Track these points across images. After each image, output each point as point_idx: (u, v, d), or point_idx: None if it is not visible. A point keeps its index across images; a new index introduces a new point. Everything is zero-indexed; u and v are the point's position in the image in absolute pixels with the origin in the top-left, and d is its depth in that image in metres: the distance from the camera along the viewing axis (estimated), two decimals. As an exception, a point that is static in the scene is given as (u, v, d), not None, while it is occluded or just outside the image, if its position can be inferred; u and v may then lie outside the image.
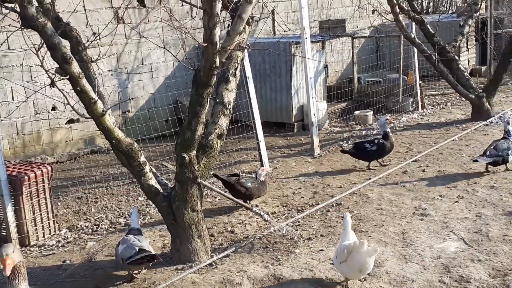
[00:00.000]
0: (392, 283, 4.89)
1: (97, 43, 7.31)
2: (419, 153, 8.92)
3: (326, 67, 12.31)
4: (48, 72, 4.75)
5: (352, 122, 11.84)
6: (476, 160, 7.77)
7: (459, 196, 6.93)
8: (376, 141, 8.35)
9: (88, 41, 5.77)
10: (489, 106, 11.05)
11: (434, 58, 10.93)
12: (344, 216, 5.06)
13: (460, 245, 5.57)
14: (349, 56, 13.86)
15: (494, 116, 10.98)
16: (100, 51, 6.21)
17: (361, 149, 8.39)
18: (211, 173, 6.84)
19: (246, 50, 7.74)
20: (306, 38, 9.18)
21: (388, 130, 8.48)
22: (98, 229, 6.72)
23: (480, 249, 5.45)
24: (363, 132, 10.85)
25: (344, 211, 6.67)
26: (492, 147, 7.73)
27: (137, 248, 5.07)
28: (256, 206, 7.02)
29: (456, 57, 11.34)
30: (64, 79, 4.84)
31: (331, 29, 14.93)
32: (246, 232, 6.31)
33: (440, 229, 5.96)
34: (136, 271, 5.33)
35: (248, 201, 6.95)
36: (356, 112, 11.91)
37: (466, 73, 11.35)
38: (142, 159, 5.36)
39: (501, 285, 4.74)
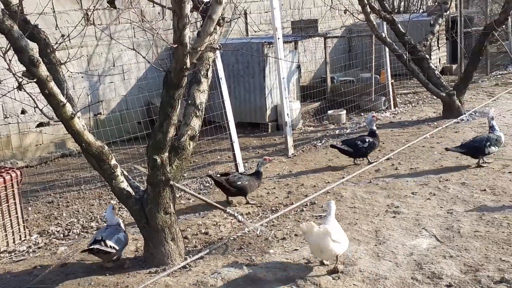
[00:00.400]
0: (365, 281, 4.92)
1: (66, 45, 7.20)
2: (391, 151, 9.00)
3: (299, 67, 12.36)
4: (15, 75, 4.66)
5: (326, 121, 11.90)
6: (447, 149, 8.06)
7: (431, 193, 7.01)
8: (367, 139, 8.40)
9: (57, 43, 5.68)
10: (459, 104, 11.20)
11: (405, 57, 11.05)
12: (329, 203, 5.32)
13: (432, 242, 5.63)
14: (322, 56, 13.92)
15: (465, 113, 11.14)
16: (69, 53, 6.12)
17: (353, 146, 8.41)
18: (209, 173, 7.25)
19: (218, 51, 7.72)
20: (278, 38, 9.20)
21: (375, 128, 8.57)
22: (70, 233, 6.63)
23: (451, 245, 5.52)
24: (337, 131, 10.92)
25: (318, 211, 6.71)
26: (471, 139, 7.98)
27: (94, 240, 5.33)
28: (235, 205, 7.01)
29: (427, 56, 11.49)
30: (32, 82, 4.75)
31: (303, 29, 14.97)
32: (220, 233, 6.28)
33: (413, 226, 6.03)
34: (108, 264, 5.47)
35: (244, 197, 7.19)
36: (330, 112, 11.98)
37: (437, 72, 11.49)
38: (113, 162, 5.29)
39: (472, 281, 4.80)
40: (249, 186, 7.12)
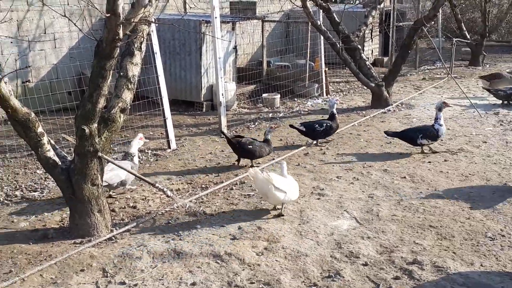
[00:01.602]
0: (287, 257, 5.10)
1: (-4, 7, 6.93)
2: (321, 136, 9.25)
3: (235, 48, 12.40)
4: None
5: (260, 104, 12.05)
6: (386, 132, 8.57)
7: (354, 178, 7.30)
8: (324, 124, 8.71)
9: (-16, 4, 5.47)
10: (387, 95, 11.63)
11: (339, 46, 11.32)
12: (281, 164, 6.19)
13: (352, 223, 5.89)
14: (259, 39, 14.03)
15: (392, 104, 11.59)
16: (-2, 16, 5.90)
17: (311, 129, 8.70)
18: (222, 130, 7.93)
19: (153, 25, 7.65)
20: (216, 17, 9.20)
21: (335, 111, 8.84)
22: (-8, 201, 6.44)
23: (370, 227, 5.80)
24: (270, 115, 11.09)
25: (247, 190, 6.84)
26: (410, 127, 8.49)
27: None
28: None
29: (359, 47, 11.81)
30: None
31: (241, 11, 15.01)
32: (149, 208, 6.30)
33: (335, 208, 6.28)
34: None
35: (251, 160, 7.78)
36: (264, 95, 12.13)
37: (368, 62, 11.86)
38: (40, 130, 5.18)
39: (387, 261, 5.08)
40: (259, 151, 7.68)
